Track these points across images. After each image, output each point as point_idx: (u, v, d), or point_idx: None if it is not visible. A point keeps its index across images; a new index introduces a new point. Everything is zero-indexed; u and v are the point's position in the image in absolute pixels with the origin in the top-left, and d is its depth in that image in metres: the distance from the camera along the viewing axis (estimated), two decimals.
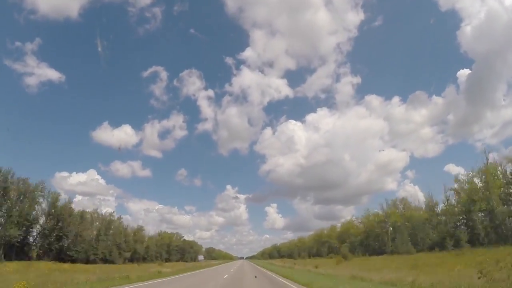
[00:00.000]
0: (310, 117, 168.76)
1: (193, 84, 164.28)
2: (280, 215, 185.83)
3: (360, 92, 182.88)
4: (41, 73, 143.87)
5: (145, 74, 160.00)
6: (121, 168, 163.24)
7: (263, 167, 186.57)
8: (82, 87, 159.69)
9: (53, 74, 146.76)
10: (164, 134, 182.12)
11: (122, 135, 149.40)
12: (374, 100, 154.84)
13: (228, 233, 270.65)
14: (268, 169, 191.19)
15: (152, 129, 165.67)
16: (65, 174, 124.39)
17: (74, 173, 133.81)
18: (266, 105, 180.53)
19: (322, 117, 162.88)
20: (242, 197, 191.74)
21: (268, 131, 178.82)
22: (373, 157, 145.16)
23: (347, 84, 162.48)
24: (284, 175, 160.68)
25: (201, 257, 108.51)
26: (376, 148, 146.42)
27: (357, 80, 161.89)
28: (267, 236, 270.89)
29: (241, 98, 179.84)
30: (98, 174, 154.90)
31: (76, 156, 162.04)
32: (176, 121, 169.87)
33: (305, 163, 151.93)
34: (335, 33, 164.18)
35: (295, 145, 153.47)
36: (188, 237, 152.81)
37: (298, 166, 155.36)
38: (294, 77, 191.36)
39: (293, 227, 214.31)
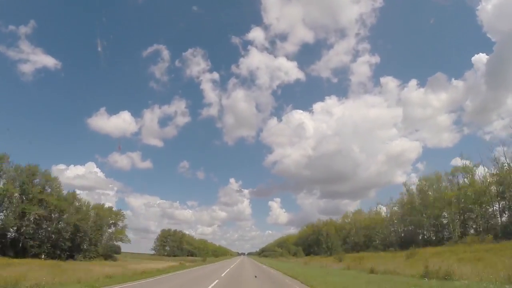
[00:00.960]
0: (320, 104, 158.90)
1: (197, 64, 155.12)
2: (283, 210, 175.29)
3: (377, 74, 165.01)
4: (36, 59, 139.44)
5: (145, 53, 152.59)
6: (120, 160, 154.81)
7: (269, 158, 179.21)
8: (78, 70, 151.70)
9: (48, 61, 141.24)
10: (165, 121, 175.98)
11: (120, 122, 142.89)
12: (390, 82, 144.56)
13: (230, 228, 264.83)
14: (274, 160, 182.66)
15: (152, 115, 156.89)
16: (62, 166, 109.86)
17: (72, 165, 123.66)
18: (275, 89, 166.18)
19: (333, 105, 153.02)
20: (246, 191, 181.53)
21: (275, 119, 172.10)
22: (385, 147, 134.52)
23: (364, 64, 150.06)
24: (290, 166, 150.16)
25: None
26: (388, 137, 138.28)
27: (375, 59, 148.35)
28: (269, 231, 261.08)
29: (249, 81, 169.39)
30: (97, 167, 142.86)
31: (73, 147, 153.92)
32: (178, 107, 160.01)
33: (313, 154, 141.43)
34: (358, 2, 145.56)
35: (303, 134, 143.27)
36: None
37: (306, 157, 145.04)
38: (308, 54, 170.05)
39: (297, 222, 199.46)
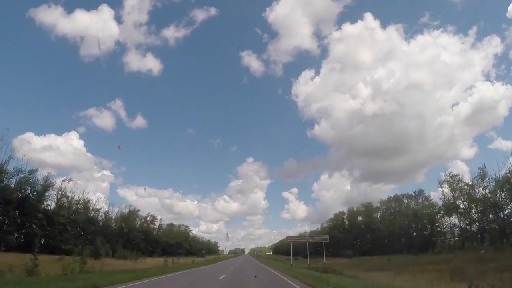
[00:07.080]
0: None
1: None
2: (302, 202, 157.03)
3: None
4: None
5: None
6: (100, 115, 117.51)
7: (312, 108, 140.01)
8: None
9: None
10: (164, 19, 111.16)
11: (98, 29, 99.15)
12: None
13: (238, 226, 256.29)
14: (319, 110, 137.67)
15: (141, 4, 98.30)
16: (29, 134, 75.48)
17: (43, 136, 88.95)
18: None
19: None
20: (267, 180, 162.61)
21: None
22: (471, 96, 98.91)
23: None
24: (338, 124, 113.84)
25: None
26: (474, 82, 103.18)
27: None
28: (276, 230, 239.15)
29: None
30: (80, 138, 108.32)
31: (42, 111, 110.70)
32: None
33: (368, 110, 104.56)
34: None
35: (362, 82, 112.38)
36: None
37: (357, 113, 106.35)
38: None
39: (315, 219, 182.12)
